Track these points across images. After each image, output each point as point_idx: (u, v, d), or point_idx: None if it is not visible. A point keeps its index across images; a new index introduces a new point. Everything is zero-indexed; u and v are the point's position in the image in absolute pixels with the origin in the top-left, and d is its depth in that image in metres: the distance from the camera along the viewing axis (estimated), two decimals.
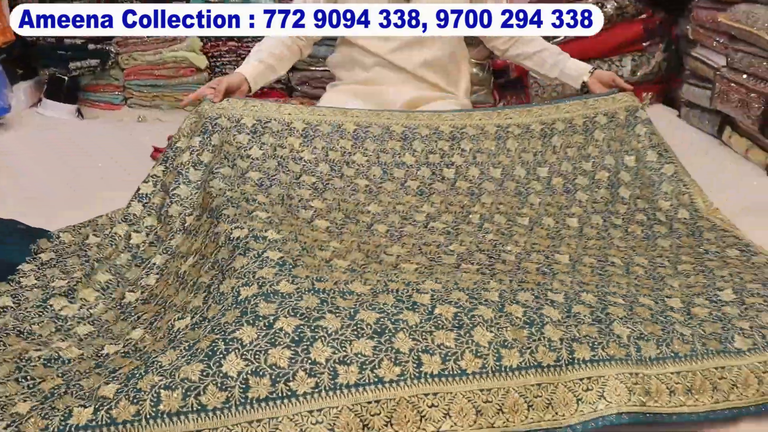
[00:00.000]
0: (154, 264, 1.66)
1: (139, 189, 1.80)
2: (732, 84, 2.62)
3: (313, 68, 3.23)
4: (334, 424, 1.08)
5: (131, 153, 2.76)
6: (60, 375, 1.25)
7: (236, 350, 1.14)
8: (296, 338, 1.16)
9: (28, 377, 1.24)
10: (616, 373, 1.22)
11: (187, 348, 1.16)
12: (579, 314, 1.31)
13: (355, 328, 1.20)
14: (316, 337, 1.17)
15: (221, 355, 1.13)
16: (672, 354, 1.28)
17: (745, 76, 2.56)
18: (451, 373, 1.17)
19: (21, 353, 1.31)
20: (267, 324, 1.18)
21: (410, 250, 1.57)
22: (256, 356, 1.13)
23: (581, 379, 1.21)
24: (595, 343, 1.26)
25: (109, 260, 1.69)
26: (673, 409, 1.23)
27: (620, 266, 1.61)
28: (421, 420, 1.12)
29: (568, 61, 2.25)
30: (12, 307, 1.54)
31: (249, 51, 2.21)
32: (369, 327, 1.20)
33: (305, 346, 1.15)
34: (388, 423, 1.10)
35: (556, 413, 1.18)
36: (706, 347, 1.30)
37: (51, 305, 1.55)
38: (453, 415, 1.14)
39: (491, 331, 1.24)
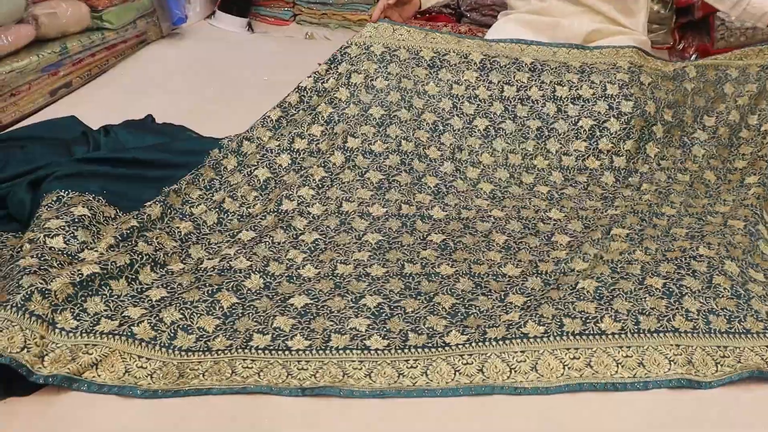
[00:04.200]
0: (311, 176, 1.68)
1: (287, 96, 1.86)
2: None
3: None
4: (483, 365, 1.21)
5: (296, 70, 2.80)
6: (234, 289, 1.35)
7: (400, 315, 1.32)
8: (452, 312, 1.32)
9: (206, 284, 1.36)
10: (751, 346, 1.25)
11: (354, 300, 1.34)
12: (719, 286, 1.35)
13: (504, 306, 1.34)
14: (469, 312, 1.32)
15: (385, 317, 1.31)
16: None
17: None
18: (591, 332, 1.26)
19: (197, 265, 1.43)
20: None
21: (567, 215, 1.64)
22: (416, 321, 1.30)
23: (718, 347, 1.25)
24: (732, 316, 1.30)
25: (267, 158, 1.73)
26: None
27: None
28: (564, 368, 1.21)
29: None
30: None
31: None
32: (515, 305, 1.34)
33: (461, 317, 1.31)
34: (533, 368, 1.21)
35: (697, 371, 1.21)
36: None
37: (214, 198, 1.63)
38: (594, 365, 1.22)
39: (630, 302, 1.32)
